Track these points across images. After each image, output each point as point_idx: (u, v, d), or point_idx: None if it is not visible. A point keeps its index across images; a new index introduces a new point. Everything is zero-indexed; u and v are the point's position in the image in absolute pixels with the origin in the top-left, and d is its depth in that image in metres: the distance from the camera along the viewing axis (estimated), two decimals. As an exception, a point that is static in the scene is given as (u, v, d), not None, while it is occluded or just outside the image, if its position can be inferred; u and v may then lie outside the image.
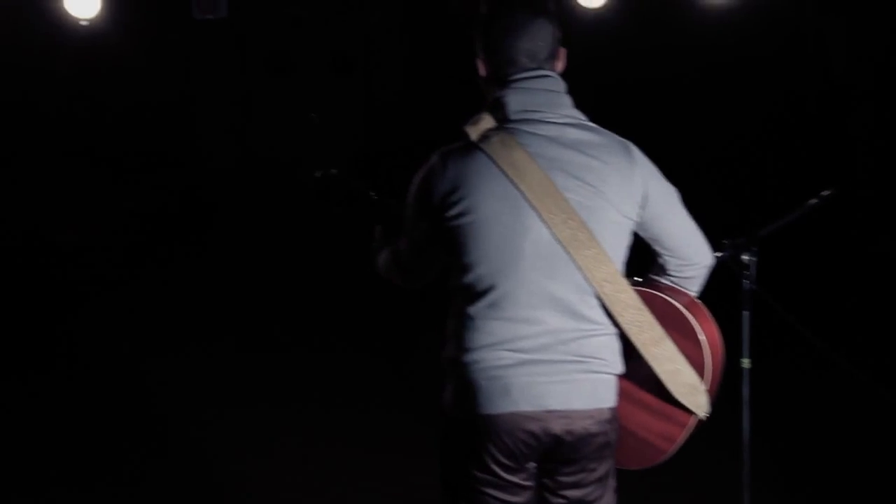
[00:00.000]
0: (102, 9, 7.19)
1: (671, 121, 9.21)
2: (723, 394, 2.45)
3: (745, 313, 3.25)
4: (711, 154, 9.36)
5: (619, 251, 2.30)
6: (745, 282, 3.22)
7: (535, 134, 2.26)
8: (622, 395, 2.35)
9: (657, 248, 2.41)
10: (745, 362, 3.27)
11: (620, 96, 8.82)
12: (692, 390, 2.33)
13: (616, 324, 2.30)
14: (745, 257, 3.21)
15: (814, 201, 3.31)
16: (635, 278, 2.44)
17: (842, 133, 9.36)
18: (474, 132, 2.28)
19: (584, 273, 2.23)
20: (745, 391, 3.28)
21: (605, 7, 7.89)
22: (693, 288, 2.47)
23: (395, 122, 10.80)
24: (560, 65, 2.38)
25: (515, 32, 2.30)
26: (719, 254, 3.01)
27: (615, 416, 2.34)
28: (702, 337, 2.35)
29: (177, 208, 10.12)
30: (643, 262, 2.48)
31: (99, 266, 8.95)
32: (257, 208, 10.11)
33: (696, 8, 8.21)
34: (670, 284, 2.46)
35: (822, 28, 9.55)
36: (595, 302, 2.27)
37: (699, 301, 2.48)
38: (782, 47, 9.46)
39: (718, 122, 9.47)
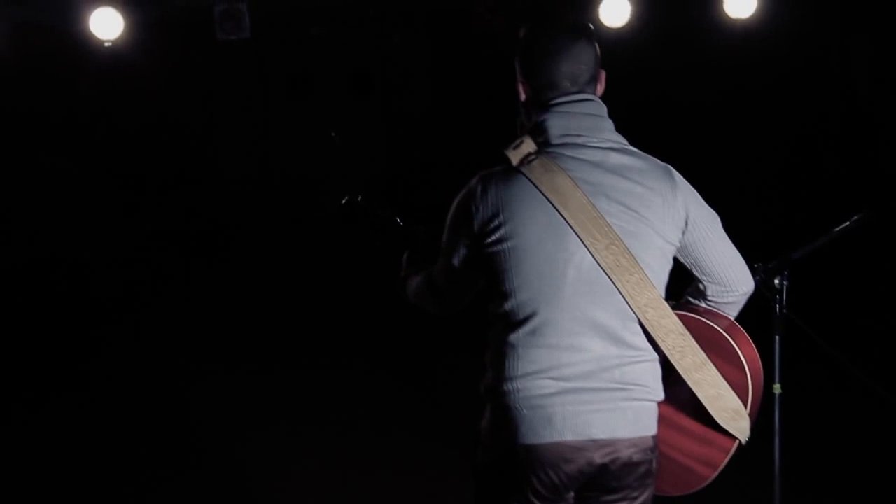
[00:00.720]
0: (125, 30, 7.23)
1: (693, 141, 9.15)
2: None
3: (777, 338, 3.22)
4: (735, 175, 9.30)
5: (661, 276, 2.27)
6: (777, 306, 3.19)
7: (577, 158, 2.24)
8: (662, 420, 2.32)
9: (697, 273, 2.37)
10: (776, 388, 3.24)
11: (642, 116, 8.78)
12: (735, 415, 2.31)
13: (658, 349, 2.27)
14: (776, 281, 3.18)
15: (845, 224, 3.28)
16: (671, 301, 2.41)
17: (868, 153, 9.29)
18: (515, 156, 2.25)
19: (627, 299, 2.21)
20: (777, 417, 3.25)
21: (627, 26, 7.86)
22: (731, 313, 2.44)
23: (417, 142, 10.80)
24: (600, 88, 2.36)
25: (557, 56, 2.28)
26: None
27: (657, 443, 2.31)
28: (743, 361, 2.33)
29: (197, 228, 10.14)
30: (678, 283, 2.45)
31: (117, 285, 8.96)
32: (277, 228, 10.11)
33: (718, 27, 8.18)
34: (708, 307, 2.43)
35: (846, 46, 9.51)
36: (638, 328, 2.24)
37: (738, 324, 2.45)
38: (806, 66, 9.41)
39: (742, 141, 9.42)
